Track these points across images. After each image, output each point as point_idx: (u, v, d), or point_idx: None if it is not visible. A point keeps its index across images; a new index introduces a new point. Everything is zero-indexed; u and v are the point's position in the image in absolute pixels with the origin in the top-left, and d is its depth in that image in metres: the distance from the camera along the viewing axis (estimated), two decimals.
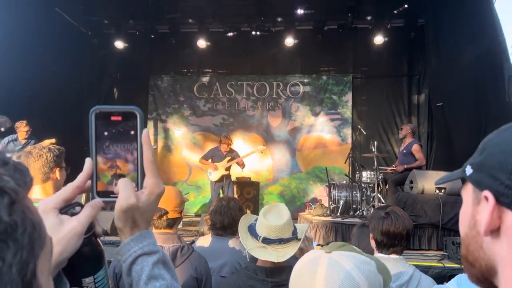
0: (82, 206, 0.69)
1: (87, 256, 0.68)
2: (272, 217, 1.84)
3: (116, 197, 0.71)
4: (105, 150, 0.72)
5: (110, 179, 0.73)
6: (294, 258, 2.12)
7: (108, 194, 0.73)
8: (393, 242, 2.03)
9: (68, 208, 0.68)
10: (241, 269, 1.91)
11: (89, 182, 0.72)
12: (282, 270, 1.81)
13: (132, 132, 0.72)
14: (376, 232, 2.06)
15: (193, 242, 2.94)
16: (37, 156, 2.09)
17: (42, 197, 2.01)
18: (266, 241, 1.80)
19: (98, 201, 0.71)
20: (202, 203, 9.21)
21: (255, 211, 7.70)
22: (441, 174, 5.83)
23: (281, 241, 1.79)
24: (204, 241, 2.81)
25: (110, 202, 0.72)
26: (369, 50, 8.95)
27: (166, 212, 2.19)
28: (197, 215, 8.57)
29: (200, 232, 5.78)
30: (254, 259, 1.91)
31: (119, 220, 0.72)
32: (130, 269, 0.73)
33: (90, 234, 0.69)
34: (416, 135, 7.55)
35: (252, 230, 1.87)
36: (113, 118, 0.72)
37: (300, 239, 1.84)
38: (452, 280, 1.44)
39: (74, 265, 0.66)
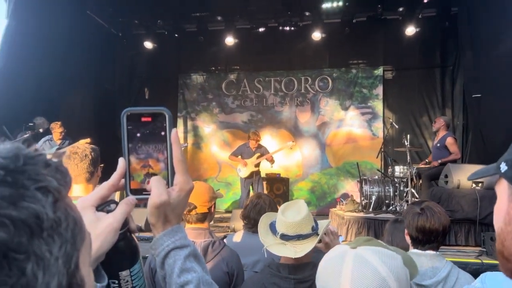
0: (116, 203, 0.72)
1: (123, 250, 0.71)
2: (290, 213, 1.84)
3: (149, 194, 0.74)
4: (138, 151, 0.75)
5: (143, 178, 0.76)
6: (318, 254, 2.12)
7: (141, 191, 0.75)
8: (429, 238, 1.98)
9: (104, 205, 0.71)
10: (264, 267, 1.92)
11: (123, 180, 0.75)
12: (305, 267, 1.81)
13: (162, 133, 0.75)
14: (411, 228, 2.02)
15: (224, 237, 2.97)
16: (83, 156, 2.18)
17: (83, 195, 2.08)
18: (285, 237, 1.80)
19: (131, 198, 0.74)
20: (232, 200, 9.28)
21: None
22: (477, 167, 5.59)
23: (299, 237, 1.79)
24: (238, 237, 2.83)
25: (143, 199, 0.75)
26: (400, 41, 8.73)
27: (195, 207, 2.23)
28: (227, 211, 8.65)
29: (232, 228, 5.83)
30: (278, 257, 1.92)
31: (152, 216, 0.74)
32: (163, 262, 0.76)
33: (125, 229, 0.71)
34: (451, 128, 7.32)
35: (272, 227, 1.88)
36: (143, 119, 0.75)
37: (319, 235, 1.83)
38: (477, 280, 1.40)
39: (111, 259, 0.69)
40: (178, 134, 0.76)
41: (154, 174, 0.75)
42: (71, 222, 0.40)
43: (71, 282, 0.39)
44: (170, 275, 0.75)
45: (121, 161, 0.75)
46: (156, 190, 0.73)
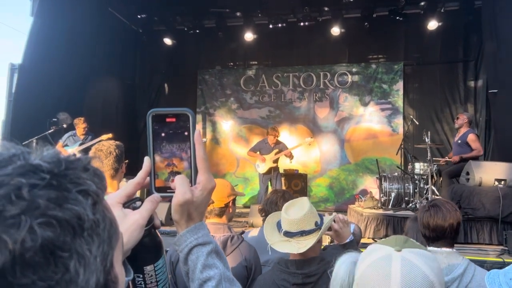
0: (142, 201, 0.75)
1: (148, 246, 0.74)
2: (293, 211, 1.88)
3: (173, 192, 0.77)
4: (162, 150, 0.77)
5: (167, 176, 0.78)
6: (332, 250, 2.12)
7: (165, 189, 0.78)
8: (436, 235, 2.02)
9: (130, 202, 0.74)
10: (274, 264, 1.96)
11: (148, 178, 0.78)
12: (312, 261, 1.85)
13: (186, 132, 0.77)
14: (420, 225, 2.08)
15: (242, 232, 3.01)
16: (107, 153, 2.24)
17: (110, 191, 2.15)
18: (288, 234, 1.85)
19: (156, 196, 0.77)
20: (250, 195, 9.32)
21: None
22: (500, 165, 5.52)
23: (303, 233, 1.83)
24: (257, 233, 2.86)
25: (167, 197, 0.78)
26: (421, 36, 8.59)
27: (212, 202, 2.27)
28: (245, 206, 8.69)
29: (250, 223, 5.87)
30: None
31: (176, 214, 0.77)
32: (187, 258, 0.79)
33: (150, 226, 0.74)
34: (473, 125, 7.18)
35: (278, 225, 1.92)
36: (168, 119, 0.77)
37: (321, 228, 1.86)
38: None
39: (136, 254, 0.72)
40: (201, 134, 0.78)
41: (178, 173, 0.77)
42: (107, 223, 0.43)
43: (107, 279, 0.42)
44: (193, 270, 0.78)
45: (147, 160, 0.77)
46: (180, 188, 0.75)
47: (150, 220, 0.74)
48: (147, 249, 0.74)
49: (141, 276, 0.74)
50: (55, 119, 6.84)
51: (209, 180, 0.78)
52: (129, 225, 0.70)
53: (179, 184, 0.76)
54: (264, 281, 1.98)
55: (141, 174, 0.77)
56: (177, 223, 0.79)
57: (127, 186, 0.76)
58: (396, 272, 0.98)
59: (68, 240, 0.37)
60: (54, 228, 0.36)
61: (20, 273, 0.34)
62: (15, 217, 0.35)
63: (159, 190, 0.78)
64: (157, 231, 0.77)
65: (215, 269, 0.78)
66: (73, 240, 0.38)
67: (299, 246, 1.81)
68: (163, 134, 0.77)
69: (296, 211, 1.87)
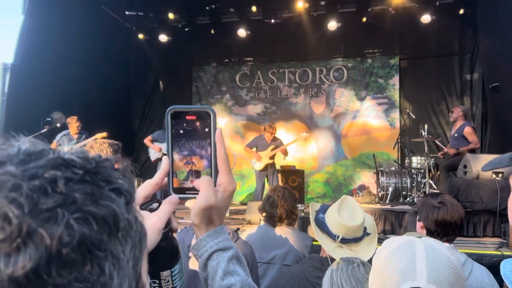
0: (159, 202, 0.71)
1: (165, 250, 0.70)
2: (347, 215, 1.85)
3: (192, 194, 0.74)
4: (181, 148, 0.75)
5: (186, 176, 0.75)
6: None
7: (183, 190, 0.75)
8: (447, 231, 1.99)
9: (147, 204, 0.71)
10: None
11: (166, 179, 0.75)
12: None
13: (206, 130, 0.74)
14: (430, 221, 2.01)
15: (237, 229, 2.98)
16: (97, 151, 2.19)
17: None
18: (343, 241, 1.82)
19: (175, 197, 0.73)
20: (247, 192, 9.29)
21: (301, 200, 7.65)
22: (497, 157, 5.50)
23: (356, 240, 1.82)
24: (259, 231, 2.84)
25: (185, 199, 0.75)
26: (417, 29, 8.56)
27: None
28: (242, 203, 8.66)
29: (247, 220, 5.84)
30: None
31: (197, 217, 0.74)
32: (206, 264, 0.76)
33: (168, 229, 0.71)
34: (469, 117, 7.16)
35: (324, 227, 1.86)
36: (188, 117, 0.75)
37: (370, 234, 1.83)
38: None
39: (152, 259, 0.68)
40: (222, 134, 0.75)
41: (197, 171, 0.75)
42: (139, 226, 0.40)
43: (137, 287, 0.39)
44: (213, 277, 0.75)
45: (165, 159, 0.74)
46: (205, 192, 0.72)
47: (168, 223, 0.70)
48: (164, 253, 0.70)
49: (157, 281, 0.70)
50: (49, 119, 6.77)
51: (230, 181, 0.76)
52: (147, 228, 0.66)
53: (205, 187, 0.72)
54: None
55: (159, 174, 0.74)
56: (197, 227, 0.76)
57: (145, 186, 0.72)
58: (421, 254, 0.98)
59: (104, 239, 0.34)
60: (91, 224, 0.34)
61: (55, 272, 0.31)
62: (51, 210, 0.32)
63: (177, 191, 0.75)
64: (174, 234, 0.74)
65: (237, 276, 0.75)
66: (109, 240, 0.35)
67: (355, 255, 1.77)
68: (181, 131, 0.74)
69: (351, 217, 1.83)
